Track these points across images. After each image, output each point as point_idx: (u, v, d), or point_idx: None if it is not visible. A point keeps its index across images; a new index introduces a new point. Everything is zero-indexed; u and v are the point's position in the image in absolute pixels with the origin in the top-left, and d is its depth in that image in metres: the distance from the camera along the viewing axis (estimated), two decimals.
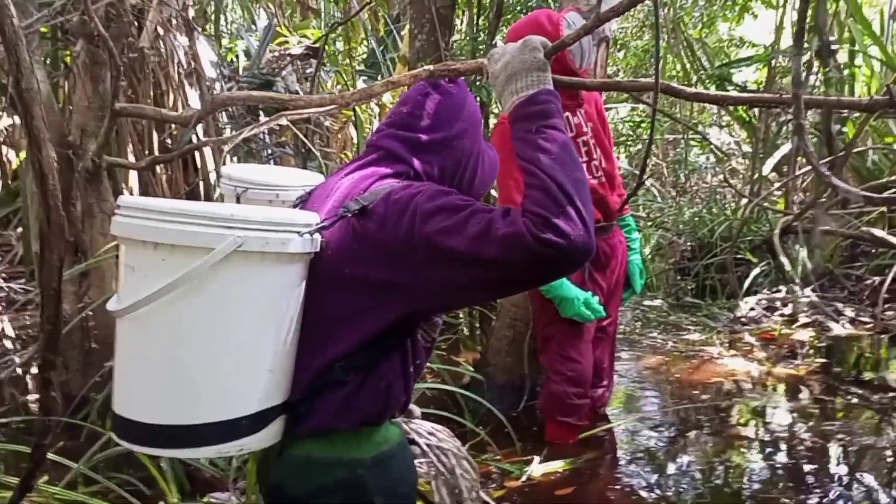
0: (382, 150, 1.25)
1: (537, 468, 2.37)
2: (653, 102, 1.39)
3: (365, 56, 5.85)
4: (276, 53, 4.71)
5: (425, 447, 1.62)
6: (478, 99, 4.07)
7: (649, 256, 5.72)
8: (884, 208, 4.61)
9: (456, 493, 1.63)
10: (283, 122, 2.47)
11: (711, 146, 6.70)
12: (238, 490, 1.99)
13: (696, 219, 5.58)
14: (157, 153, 3.89)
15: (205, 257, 0.99)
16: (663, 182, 8.22)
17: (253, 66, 4.33)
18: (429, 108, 1.25)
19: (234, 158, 4.28)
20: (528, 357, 2.82)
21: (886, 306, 4.06)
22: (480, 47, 4.31)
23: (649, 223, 6.43)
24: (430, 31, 4.17)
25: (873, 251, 4.63)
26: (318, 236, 1.12)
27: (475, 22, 4.97)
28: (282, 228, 1.05)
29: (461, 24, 5.21)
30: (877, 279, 4.20)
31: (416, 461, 1.47)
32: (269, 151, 4.42)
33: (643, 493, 2.37)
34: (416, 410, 1.54)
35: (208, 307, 1.03)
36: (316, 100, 1.82)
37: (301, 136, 3.09)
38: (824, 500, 2.28)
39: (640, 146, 9.04)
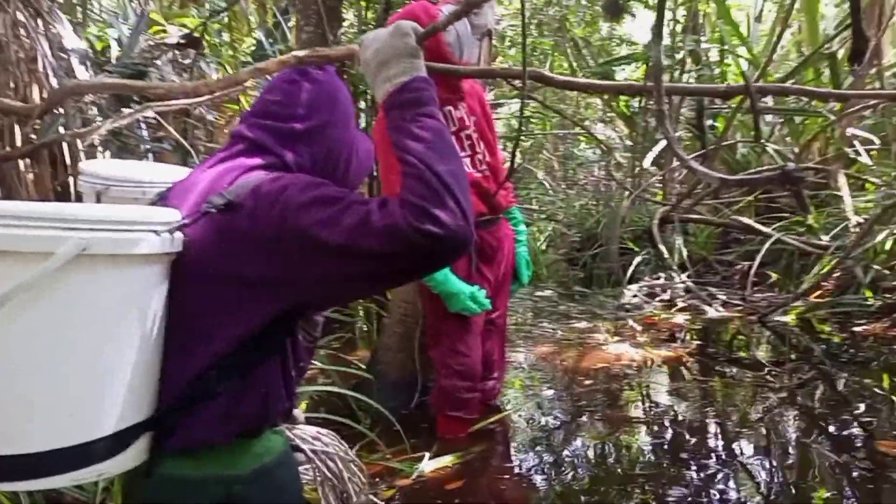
0: (248, 140, 1.17)
1: (428, 465, 2.36)
2: (522, 86, 1.40)
3: (253, 48, 5.64)
4: (152, 43, 4.45)
5: (310, 453, 1.56)
6: (353, 70, 4.02)
7: (542, 248, 5.87)
8: (750, 198, 4.94)
9: (344, 498, 1.59)
10: (150, 113, 2.33)
11: (596, 141, 6.96)
12: None
13: (584, 211, 5.77)
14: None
15: (44, 263, 0.88)
16: (554, 175, 8.47)
17: (124, 56, 4.06)
18: (297, 97, 1.19)
19: (107, 154, 4.01)
20: (419, 353, 2.80)
21: (755, 289, 4.35)
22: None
23: (542, 216, 6.60)
24: (318, 23, 4.07)
25: (743, 238, 4.95)
26: (179, 235, 1.03)
27: (364, 15, 4.91)
28: (135, 228, 0.96)
29: (350, 16, 5.13)
30: (746, 264, 4.49)
31: (301, 468, 1.42)
32: (147, 147, 4.17)
33: (535, 479, 2.41)
34: (300, 416, 1.48)
35: (49, 319, 0.92)
36: (177, 87, 1.71)
37: (171, 129, 2.91)
38: (706, 474, 2.40)
39: (531, 141, 9.28)
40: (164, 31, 4.57)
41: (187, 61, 4.26)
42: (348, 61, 1.40)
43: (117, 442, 0.98)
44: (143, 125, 4.09)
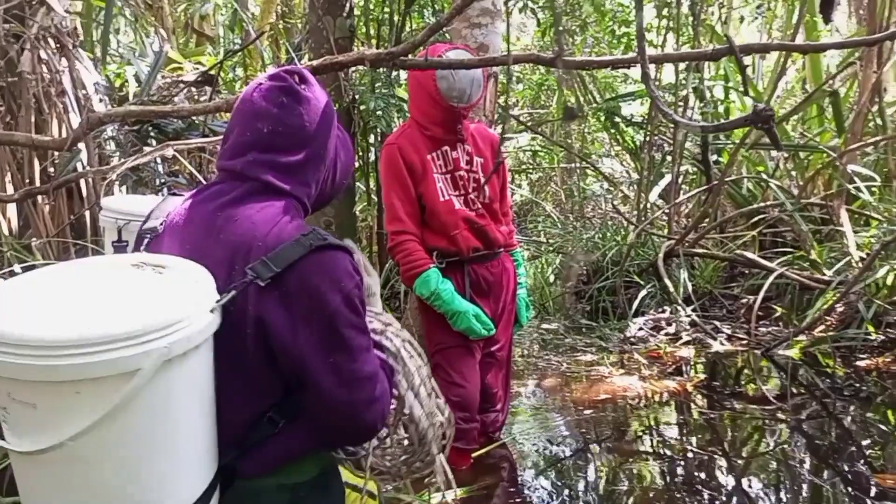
0: (255, 181, 1.17)
1: (435, 497, 2.38)
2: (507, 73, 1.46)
3: None
4: (169, 80, 4.60)
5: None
6: (363, 106, 4.13)
7: (551, 279, 5.91)
8: (755, 232, 4.98)
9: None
10: (170, 152, 2.42)
11: (602, 175, 7.04)
12: None
13: (590, 244, 5.82)
14: (38, 183, 3.69)
15: (133, 381, 0.90)
16: (562, 209, 8.54)
17: (143, 93, 4.20)
18: (291, 123, 1.18)
19: (123, 188, 4.11)
20: None
21: (760, 323, 4.38)
22: (380, 79, 4.38)
23: (550, 248, 6.65)
24: None
25: (747, 272, 4.98)
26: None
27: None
28: (198, 318, 0.98)
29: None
30: (751, 298, 4.52)
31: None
32: (162, 181, 4.28)
33: None
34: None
35: (138, 423, 0.94)
36: (200, 107, 1.81)
37: (186, 163, 3.01)
38: None
39: (540, 174, 9.38)
40: (181, 69, 4.72)
41: (204, 98, 4.40)
42: (360, 65, 1.49)
43: (206, 496, 1.06)
44: (158, 160, 4.20)
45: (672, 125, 5.44)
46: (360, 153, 4.93)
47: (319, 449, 1.22)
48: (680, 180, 5.96)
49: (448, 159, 2.46)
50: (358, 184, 5.13)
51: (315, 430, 1.17)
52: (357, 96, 4.33)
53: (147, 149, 2.20)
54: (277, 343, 1.08)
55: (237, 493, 1.15)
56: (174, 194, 1.30)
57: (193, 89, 4.58)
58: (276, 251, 1.08)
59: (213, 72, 4.26)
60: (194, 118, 4.03)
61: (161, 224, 1.23)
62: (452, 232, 2.42)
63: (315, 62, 1.53)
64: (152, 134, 4.21)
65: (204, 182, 3.49)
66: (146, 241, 1.24)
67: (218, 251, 1.12)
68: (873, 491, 2.48)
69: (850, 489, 2.53)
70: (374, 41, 5.07)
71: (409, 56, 1.65)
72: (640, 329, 4.46)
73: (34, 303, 0.96)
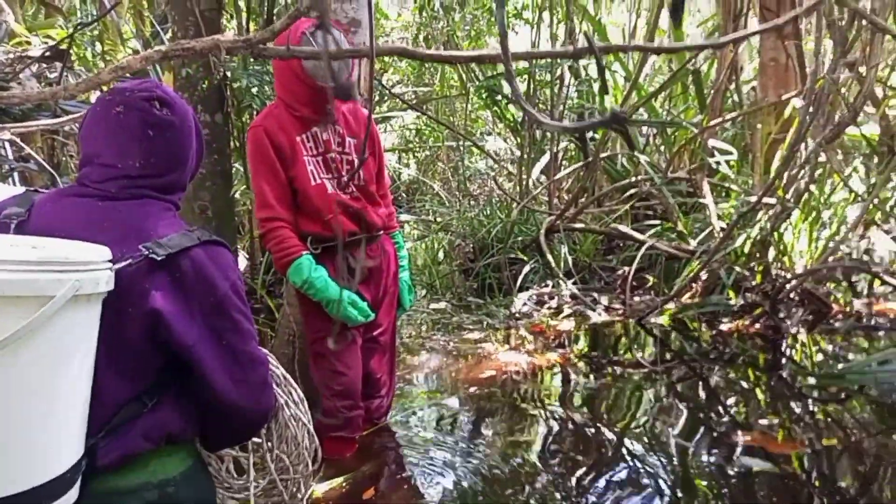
0: (139, 198, 1.22)
1: (319, 487, 2.34)
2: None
3: None
4: (13, 56, 4.16)
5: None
6: (236, 84, 3.94)
7: (441, 257, 5.94)
8: (627, 206, 5.22)
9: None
10: (8, 136, 2.18)
11: (486, 153, 7.12)
12: None
13: (477, 221, 5.89)
14: None
15: (44, 306, 0.93)
16: (449, 187, 8.60)
17: None
18: (160, 153, 1.24)
19: None
20: (303, 374, 2.76)
21: (634, 293, 4.60)
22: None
23: (438, 227, 6.67)
24: (196, 34, 3.94)
25: (623, 244, 5.22)
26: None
27: (246, 27, 4.81)
28: (102, 267, 1.04)
29: (232, 28, 5.01)
30: (626, 269, 4.74)
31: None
32: (11, 166, 3.89)
33: (425, 489, 2.43)
34: None
35: (35, 360, 0.95)
36: (35, 94, 1.63)
37: (30, 151, 2.74)
38: (598, 469, 2.52)
39: (427, 153, 9.38)
40: (28, 43, 4.29)
41: (54, 75, 4.02)
42: (213, 54, 1.41)
43: (76, 469, 1.04)
44: (6, 144, 3.82)
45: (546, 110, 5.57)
46: (236, 134, 4.70)
47: (186, 439, 1.22)
48: (560, 157, 6.13)
49: (319, 141, 2.37)
50: (236, 165, 4.90)
51: (192, 416, 1.20)
52: (229, 73, 4.11)
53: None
54: (169, 328, 1.12)
55: (97, 495, 1.10)
56: (36, 191, 1.29)
57: (44, 65, 4.17)
58: (169, 238, 1.15)
59: (63, 46, 3.88)
60: None
61: (26, 211, 1.21)
62: (326, 216, 2.34)
63: (164, 47, 1.40)
64: None
65: (51, 171, 3.20)
66: (13, 225, 1.20)
67: (100, 238, 1.13)
68: (739, 448, 2.66)
69: (718, 449, 2.70)
70: (244, 14, 4.82)
71: (269, 43, 1.55)
72: (525, 304, 4.57)
73: None
